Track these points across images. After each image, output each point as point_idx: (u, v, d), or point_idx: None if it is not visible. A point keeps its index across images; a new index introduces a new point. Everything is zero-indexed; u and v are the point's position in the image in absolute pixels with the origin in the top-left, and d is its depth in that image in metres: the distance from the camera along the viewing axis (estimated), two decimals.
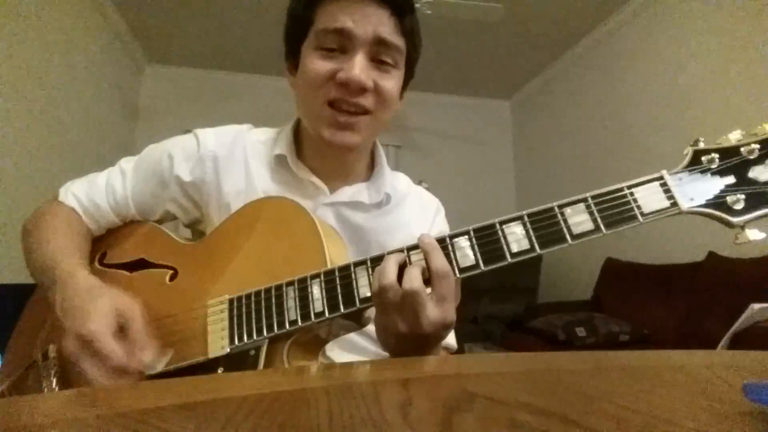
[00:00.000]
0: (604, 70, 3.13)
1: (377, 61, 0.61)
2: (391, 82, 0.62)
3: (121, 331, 0.50)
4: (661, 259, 2.44)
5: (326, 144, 0.62)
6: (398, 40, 0.61)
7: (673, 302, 2.18)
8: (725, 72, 2.26)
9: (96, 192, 0.68)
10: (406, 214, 0.74)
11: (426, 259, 0.46)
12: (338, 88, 0.59)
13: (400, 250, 0.49)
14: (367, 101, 0.60)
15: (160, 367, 0.51)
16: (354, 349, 0.67)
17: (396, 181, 0.76)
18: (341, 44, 0.59)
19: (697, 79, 2.42)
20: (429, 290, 0.47)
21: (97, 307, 0.50)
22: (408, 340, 0.48)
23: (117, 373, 0.48)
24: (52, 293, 0.55)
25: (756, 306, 0.86)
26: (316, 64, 0.59)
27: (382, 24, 0.59)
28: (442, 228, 0.76)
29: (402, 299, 0.45)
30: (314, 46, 0.60)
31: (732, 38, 2.23)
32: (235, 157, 0.68)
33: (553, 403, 0.27)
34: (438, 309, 0.46)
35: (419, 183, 0.83)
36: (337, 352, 0.65)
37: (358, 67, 0.58)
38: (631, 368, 0.39)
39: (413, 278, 0.45)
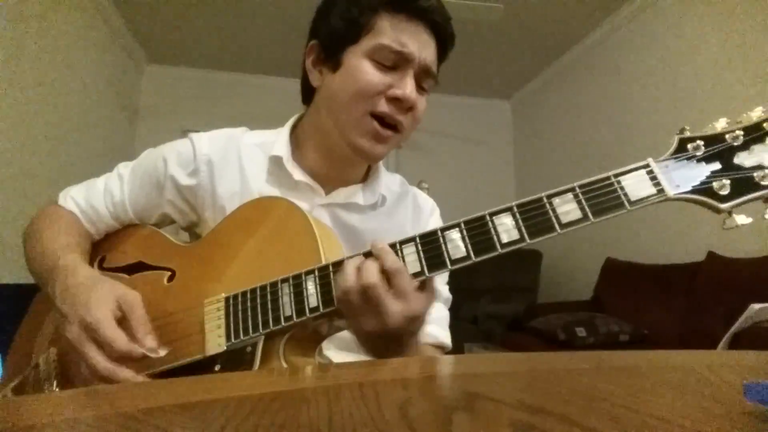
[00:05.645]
0: (603, 70, 3.13)
1: (418, 86, 0.63)
2: (424, 105, 0.66)
3: (122, 320, 0.50)
4: (661, 259, 2.44)
5: (355, 151, 0.63)
6: (436, 70, 0.65)
7: (673, 302, 2.18)
8: (724, 72, 2.26)
9: (94, 197, 0.69)
10: (401, 215, 0.74)
11: (380, 262, 0.47)
12: (389, 103, 0.61)
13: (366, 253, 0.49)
14: (406, 120, 0.63)
15: (162, 353, 0.51)
16: (350, 349, 0.67)
17: (391, 183, 0.77)
18: (397, 63, 0.61)
19: (696, 79, 2.42)
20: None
21: (99, 295, 0.50)
22: (380, 337, 0.48)
23: (119, 360, 0.48)
24: (52, 287, 0.55)
25: (756, 306, 0.85)
26: (372, 76, 0.60)
27: (430, 54, 0.63)
28: None
29: (361, 296, 0.46)
30: (368, 56, 0.61)
31: (731, 38, 2.23)
32: (229, 160, 0.68)
33: (553, 403, 0.27)
34: (399, 302, 0.47)
35: (419, 183, 0.83)
36: (333, 352, 0.65)
37: (411, 87, 0.60)
38: (631, 368, 0.39)
39: (369, 274, 0.46)
